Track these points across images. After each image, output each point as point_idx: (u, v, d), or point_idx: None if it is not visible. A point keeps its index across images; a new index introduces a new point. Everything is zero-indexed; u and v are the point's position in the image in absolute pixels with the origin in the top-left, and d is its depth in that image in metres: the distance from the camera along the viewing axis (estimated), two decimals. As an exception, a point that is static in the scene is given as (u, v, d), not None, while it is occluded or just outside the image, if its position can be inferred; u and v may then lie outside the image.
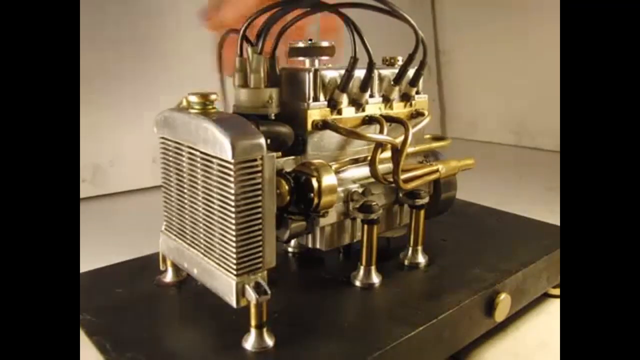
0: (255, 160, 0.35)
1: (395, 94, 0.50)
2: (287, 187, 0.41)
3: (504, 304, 0.47)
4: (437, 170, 0.51)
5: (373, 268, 0.47)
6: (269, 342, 0.38)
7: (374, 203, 0.45)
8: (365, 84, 0.45)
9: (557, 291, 0.58)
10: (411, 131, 0.45)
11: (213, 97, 0.38)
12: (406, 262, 0.51)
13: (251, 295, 0.36)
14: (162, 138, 0.42)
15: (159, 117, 0.42)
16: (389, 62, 0.51)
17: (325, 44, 0.45)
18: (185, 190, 0.41)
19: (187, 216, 0.41)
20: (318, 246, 0.47)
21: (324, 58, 0.45)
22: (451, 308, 0.43)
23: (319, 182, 0.41)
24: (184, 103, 0.39)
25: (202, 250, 0.40)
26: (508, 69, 1.61)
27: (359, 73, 0.45)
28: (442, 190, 0.54)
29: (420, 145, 0.53)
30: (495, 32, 1.63)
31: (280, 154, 0.42)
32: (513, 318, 0.52)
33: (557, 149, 1.48)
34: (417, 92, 0.52)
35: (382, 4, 0.42)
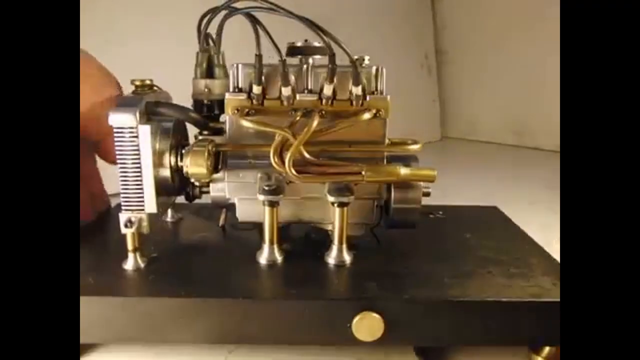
0: (131, 128, 0.44)
1: (329, 91, 0.48)
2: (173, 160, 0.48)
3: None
4: (360, 174, 0.46)
5: (275, 247, 0.48)
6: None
7: (275, 186, 0.47)
8: (285, 78, 0.47)
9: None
10: (315, 122, 0.45)
11: (147, 82, 0.49)
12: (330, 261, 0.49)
13: None
14: None
15: None
16: (355, 63, 0.50)
17: (316, 44, 0.48)
18: None
19: None
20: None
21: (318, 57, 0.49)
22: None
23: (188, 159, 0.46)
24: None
25: None
26: (508, 68, 1.61)
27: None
28: (394, 201, 0.48)
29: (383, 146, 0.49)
30: (495, 32, 1.64)
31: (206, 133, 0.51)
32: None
33: (557, 149, 1.48)
34: (373, 92, 0.49)
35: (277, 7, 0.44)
